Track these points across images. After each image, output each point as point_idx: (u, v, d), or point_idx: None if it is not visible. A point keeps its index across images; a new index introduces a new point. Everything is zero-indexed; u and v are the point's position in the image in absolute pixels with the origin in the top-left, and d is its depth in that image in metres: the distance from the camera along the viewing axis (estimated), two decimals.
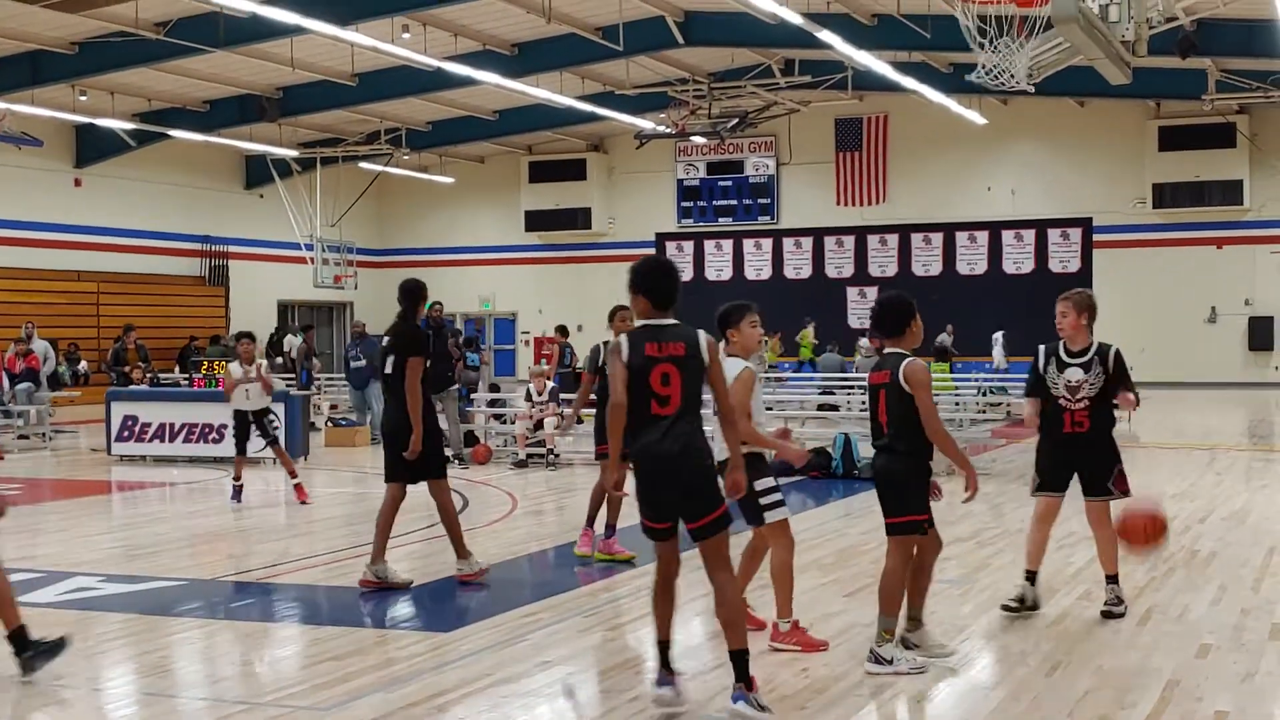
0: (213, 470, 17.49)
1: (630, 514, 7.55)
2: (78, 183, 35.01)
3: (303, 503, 14.08)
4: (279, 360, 29.99)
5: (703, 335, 6.47)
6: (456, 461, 17.38)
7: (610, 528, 10.35)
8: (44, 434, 21.98)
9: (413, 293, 9.94)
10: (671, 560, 6.58)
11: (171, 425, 18.56)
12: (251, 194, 40.03)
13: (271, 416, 14.98)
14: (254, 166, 39.16)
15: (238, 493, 14.28)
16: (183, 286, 37.92)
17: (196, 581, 9.84)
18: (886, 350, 7.35)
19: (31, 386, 22.33)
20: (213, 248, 38.79)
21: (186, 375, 20.65)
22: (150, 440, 18.67)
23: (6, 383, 21.86)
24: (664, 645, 6.57)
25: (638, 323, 6.58)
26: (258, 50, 28.00)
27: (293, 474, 14.42)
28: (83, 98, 30.43)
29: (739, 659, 6.22)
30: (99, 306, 34.40)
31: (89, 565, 10.38)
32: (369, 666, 7.21)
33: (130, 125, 32.54)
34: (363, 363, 21.36)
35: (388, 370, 9.55)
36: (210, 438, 18.35)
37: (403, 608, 9.03)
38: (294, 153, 36.56)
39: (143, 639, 8.06)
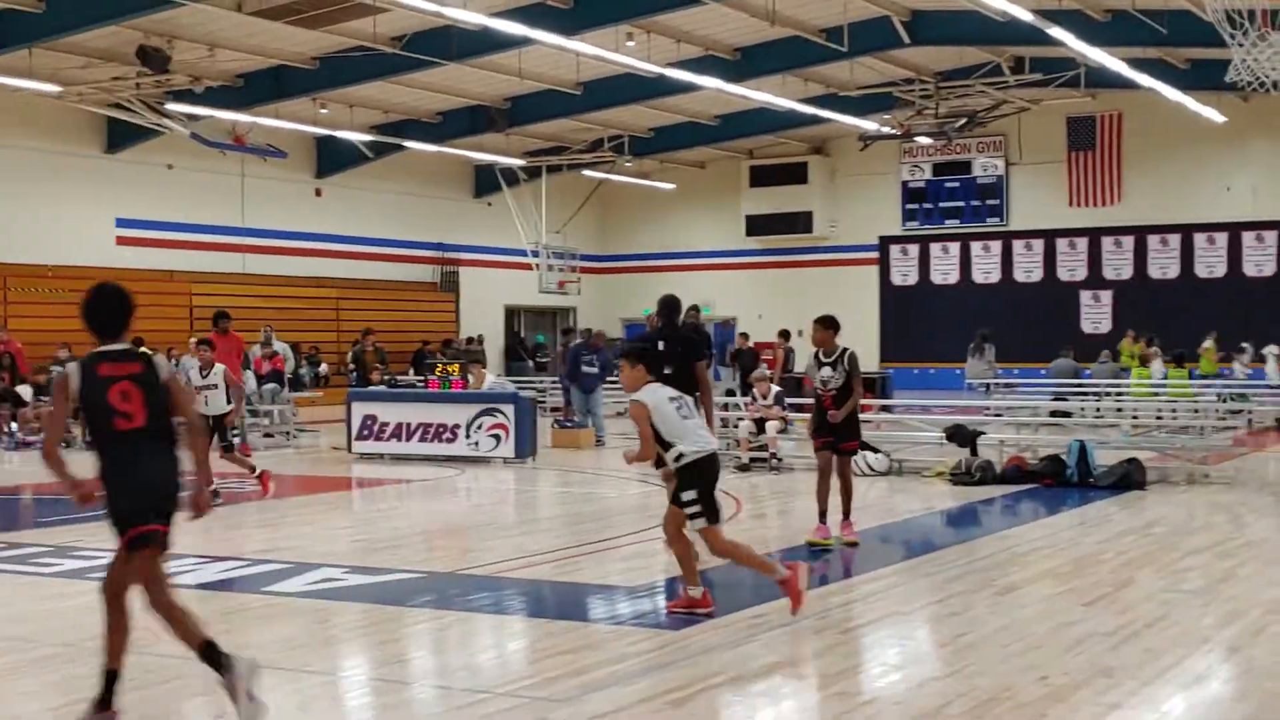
0: (447, 468, 17.97)
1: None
2: (318, 193, 36.39)
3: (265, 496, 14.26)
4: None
5: None
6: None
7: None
8: (288, 433, 22.88)
9: (675, 306, 11.63)
10: None
11: (407, 425, 19.15)
12: (480, 202, 40.99)
13: (229, 422, 14.92)
14: (483, 175, 40.10)
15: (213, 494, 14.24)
16: (416, 292, 39.06)
17: (434, 574, 10.12)
18: None
19: (276, 387, 23.27)
20: (444, 255, 39.89)
21: (421, 377, 21.25)
22: (388, 439, 19.30)
23: (254, 383, 22.79)
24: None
25: None
26: (487, 62, 28.66)
27: (252, 469, 14.91)
28: (323, 111, 31.63)
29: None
30: (338, 311, 35.70)
31: (333, 557, 10.77)
32: (600, 661, 7.32)
33: (367, 137, 33.67)
34: (595, 369, 21.74)
35: (667, 371, 10.11)
36: (444, 437, 18.87)
37: (635, 605, 9.15)
38: (520, 161, 37.30)
39: (383, 629, 8.34)
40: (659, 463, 8.67)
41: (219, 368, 14.51)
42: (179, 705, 6.60)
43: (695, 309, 19.14)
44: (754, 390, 18.58)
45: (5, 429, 22.72)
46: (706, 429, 8.84)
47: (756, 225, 42.00)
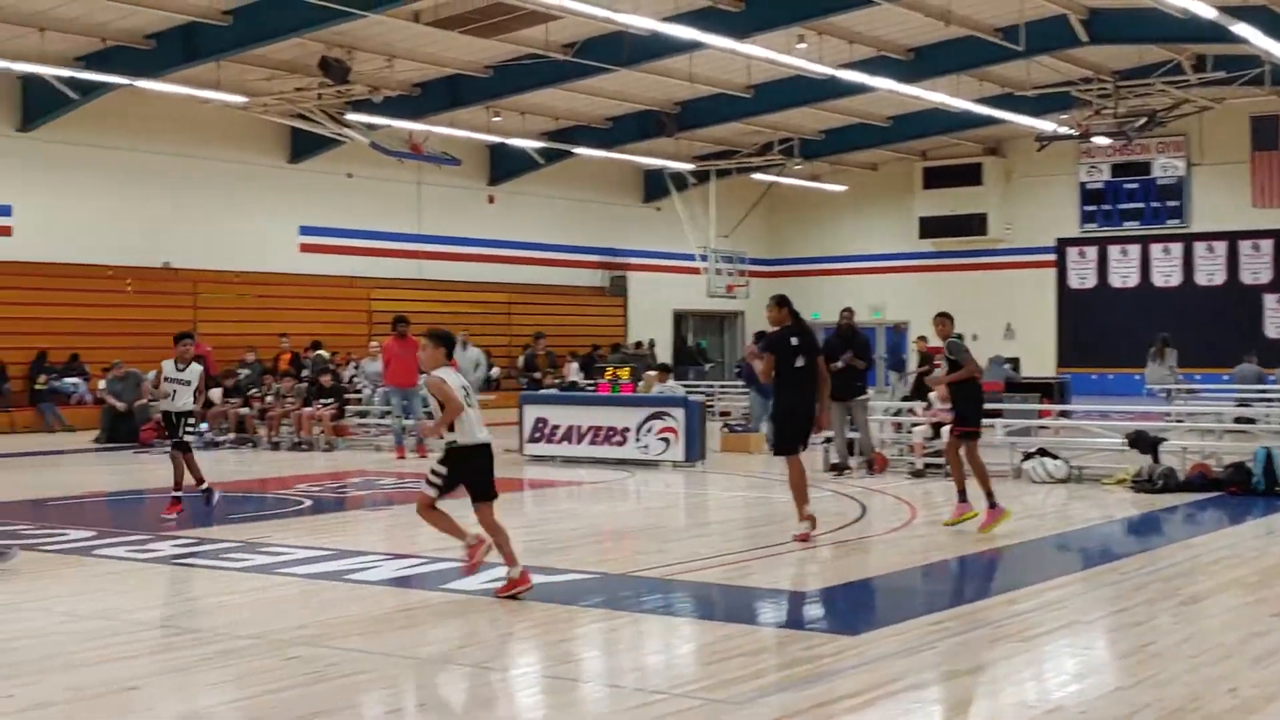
0: (617, 471, 18.09)
1: None
2: (491, 199, 36.97)
3: (166, 516, 13.14)
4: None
5: None
6: (868, 469, 17.35)
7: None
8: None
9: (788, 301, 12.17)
10: None
11: (578, 428, 19.33)
12: (649, 207, 41.19)
13: (193, 420, 14.06)
14: (651, 180, 40.30)
15: (208, 497, 13.79)
16: (586, 297, 39.43)
17: (606, 576, 10.19)
18: None
19: None
20: (613, 259, 40.19)
21: (591, 381, 21.44)
22: (559, 441, 19.50)
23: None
24: None
25: None
26: (658, 67, 28.80)
27: (200, 480, 13.81)
28: (496, 119, 32.13)
29: None
30: (509, 316, 36.22)
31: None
32: (777, 665, 7.30)
33: (538, 144, 34.10)
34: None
35: (800, 364, 11.58)
36: (614, 440, 19.00)
37: (808, 610, 9.11)
38: (690, 166, 37.40)
39: (557, 628, 8.42)
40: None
41: (196, 366, 14.02)
42: (356, 698, 6.74)
43: (849, 311, 18.97)
44: (931, 394, 18.32)
45: (197, 429, 23.47)
46: (481, 421, 9.37)
47: (930, 227, 41.45)
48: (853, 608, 9.38)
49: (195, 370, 13.84)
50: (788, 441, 11.71)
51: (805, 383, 11.63)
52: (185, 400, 13.71)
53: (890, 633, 8.08)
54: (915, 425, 18.10)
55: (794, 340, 11.68)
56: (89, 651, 7.62)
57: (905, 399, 21.31)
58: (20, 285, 27.56)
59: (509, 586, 9.08)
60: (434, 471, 9.26)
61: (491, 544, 9.25)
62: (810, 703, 6.48)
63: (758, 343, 23.55)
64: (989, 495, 12.21)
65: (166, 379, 13.83)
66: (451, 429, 9.11)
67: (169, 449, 13.85)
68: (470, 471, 9.22)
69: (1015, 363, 32.04)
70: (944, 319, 13.05)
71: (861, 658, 7.41)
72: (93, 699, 6.57)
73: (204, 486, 13.79)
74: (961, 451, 12.56)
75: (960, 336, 22.28)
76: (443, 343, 9.47)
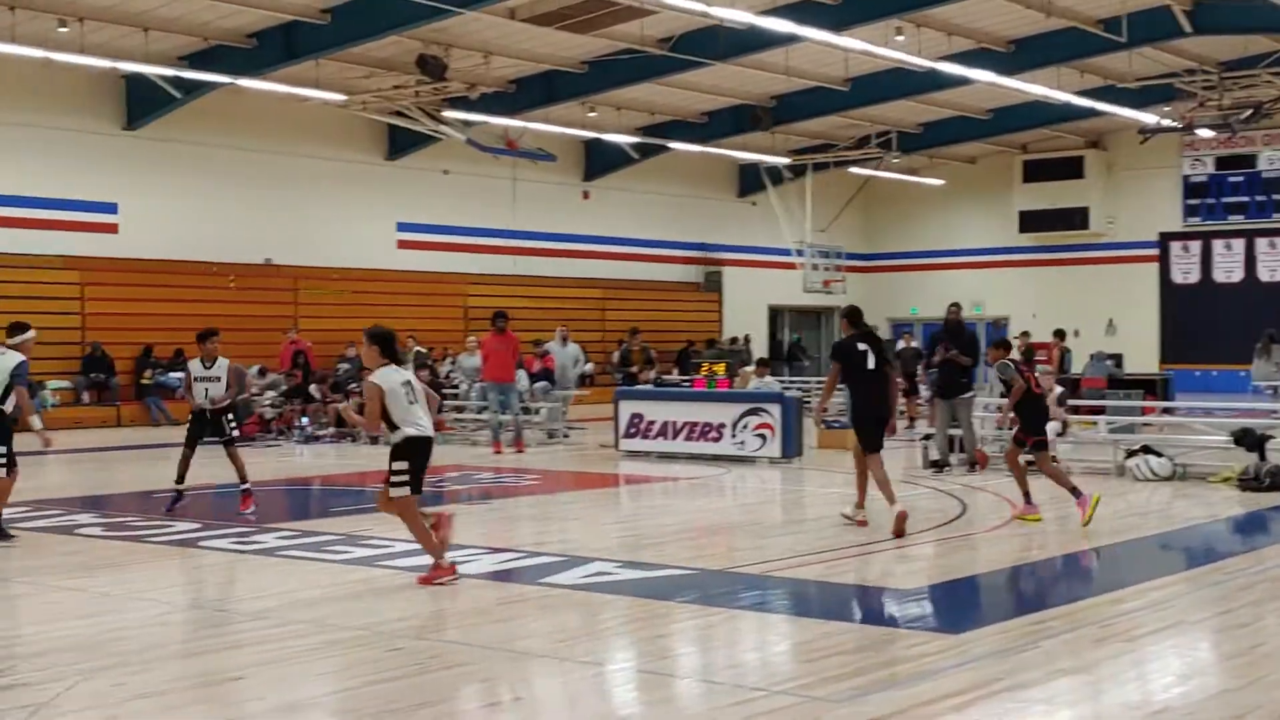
0: (712, 467, 18.06)
1: None
2: (585, 195, 37.09)
3: (241, 512, 13.22)
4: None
5: None
6: (970, 467, 17.15)
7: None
8: (557, 430, 23.35)
9: (860, 313, 12.85)
10: None
11: (674, 423, 19.31)
12: (744, 202, 41.08)
13: (230, 416, 13.98)
14: (747, 175, 40.19)
15: (175, 501, 13.60)
16: (680, 292, 39.42)
17: (703, 572, 10.18)
18: None
19: (547, 385, 23.77)
20: (708, 254, 40.13)
21: (687, 377, 21.42)
22: (654, 437, 19.50)
23: (526, 382, 23.33)
24: None
25: None
26: (754, 60, 28.71)
27: (243, 479, 13.69)
28: (591, 114, 32.21)
29: None
30: (604, 312, 36.31)
31: (604, 551, 10.94)
32: (878, 663, 7.23)
33: (633, 139, 34.13)
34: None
35: (871, 367, 12.27)
36: (710, 435, 18.96)
37: (910, 608, 9.03)
38: (785, 160, 37.24)
39: (654, 624, 8.42)
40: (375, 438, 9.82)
41: (223, 361, 14.00)
42: (457, 690, 6.79)
43: (956, 306, 18.72)
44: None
45: (297, 423, 23.82)
46: (427, 414, 9.67)
47: (1030, 221, 40.92)
48: (953, 606, 9.28)
49: (223, 365, 13.85)
50: (871, 439, 12.31)
51: (876, 384, 12.33)
52: (216, 395, 13.71)
53: (992, 632, 7.99)
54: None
55: (861, 345, 12.37)
56: (196, 641, 7.76)
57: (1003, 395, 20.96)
58: (127, 282, 28.13)
59: (433, 575, 9.32)
60: (396, 471, 9.42)
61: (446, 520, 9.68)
62: (911, 702, 6.41)
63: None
64: (1055, 489, 12.97)
65: (196, 379, 13.84)
66: (394, 427, 9.43)
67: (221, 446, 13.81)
68: (425, 456, 9.54)
69: (1118, 359, 31.54)
70: (997, 348, 13.85)
71: (963, 656, 7.33)
72: (200, 688, 6.68)
73: (244, 486, 13.70)
74: (1020, 458, 13.15)
75: (1061, 334, 21.93)
76: (377, 341, 9.67)
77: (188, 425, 14.03)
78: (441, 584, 9.27)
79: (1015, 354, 14.18)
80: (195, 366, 13.87)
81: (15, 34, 23.47)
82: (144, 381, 27.57)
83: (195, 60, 26.45)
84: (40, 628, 8.18)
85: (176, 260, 28.95)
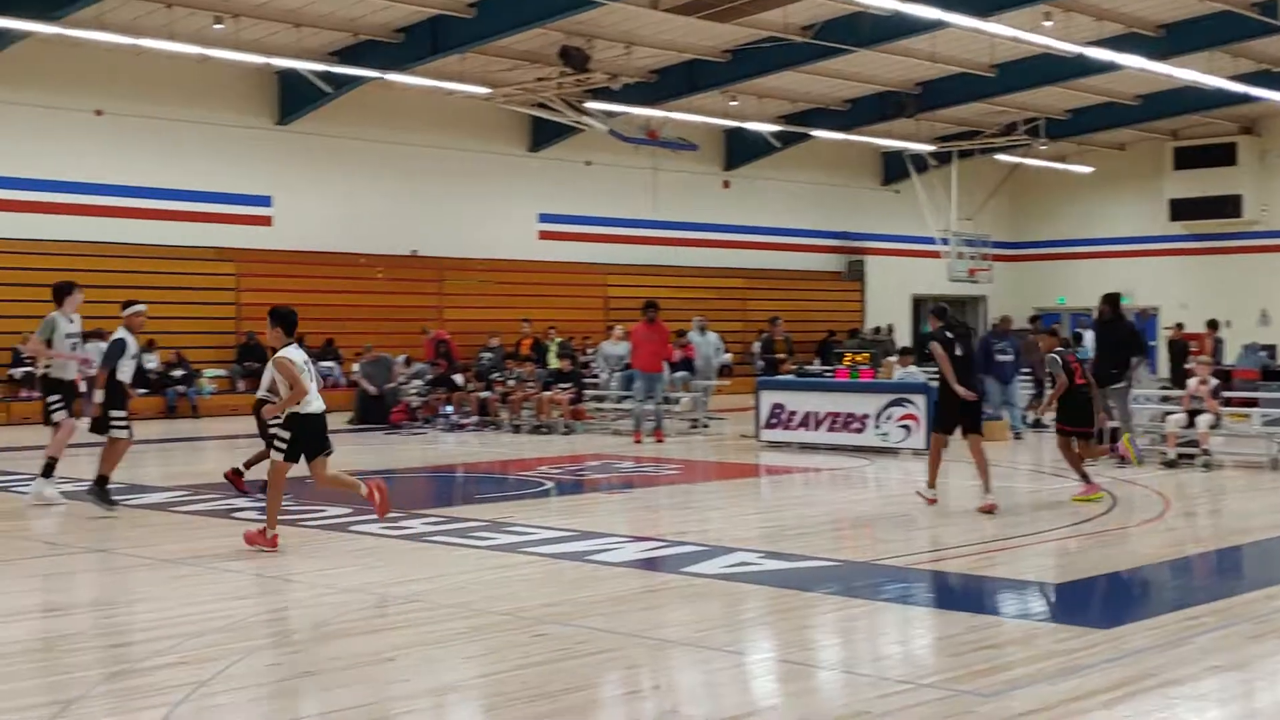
0: (855, 458, 17.94)
1: None
2: (726, 184, 37.05)
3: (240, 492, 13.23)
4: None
5: None
6: (1116, 460, 16.77)
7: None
8: (698, 420, 23.37)
9: (946, 311, 13.58)
10: None
11: (815, 414, 19.21)
12: (887, 190, 40.70)
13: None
14: (890, 162, 39.80)
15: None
16: (821, 281, 39.20)
17: (847, 563, 10.13)
18: None
19: (687, 375, 23.80)
20: (850, 243, 39.84)
21: (829, 367, 21.29)
22: (796, 428, 19.42)
23: (668, 372, 23.40)
24: None
25: None
26: (898, 47, 28.42)
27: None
28: (733, 103, 32.17)
29: None
30: (745, 301, 36.26)
31: (746, 542, 10.94)
32: (1027, 658, 7.13)
33: (775, 127, 34.01)
34: (1010, 356, 21.20)
35: (959, 353, 13.12)
36: (853, 427, 18.82)
37: (1057, 602, 8.89)
38: (930, 147, 36.78)
39: (797, 615, 8.40)
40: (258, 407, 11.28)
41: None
42: (602, 676, 6.85)
43: (1112, 297, 18.22)
44: (1190, 380, 17.63)
45: (441, 411, 24.19)
46: (318, 395, 10.61)
47: (1181, 209, 39.91)
48: (1104, 601, 9.12)
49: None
50: (947, 422, 13.34)
51: (961, 372, 13.06)
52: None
53: (1144, 627, 7.83)
54: (1169, 415, 17.43)
55: (949, 334, 13.26)
56: (348, 623, 7.93)
57: (1164, 388, 20.50)
58: (279, 273, 28.82)
59: (256, 539, 10.30)
60: (280, 438, 10.50)
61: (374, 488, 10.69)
62: (1062, 697, 6.31)
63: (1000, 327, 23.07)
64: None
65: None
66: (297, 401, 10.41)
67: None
68: (308, 435, 10.44)
69: (1271, 350, 30.61)
70: (1049, 336, 15.53)
71: (1115, 652, 7.20)
72: (353, 668, 6.83)
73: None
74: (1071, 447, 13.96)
75: (1214, 324, 21.30)
76: (281, 322, 10.71)
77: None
78: (263, 551, 10.19)
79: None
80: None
81: (173, 32, 24.17)
82: None
83: (345, 55, 26.99)
84: (201, 608, 8.44)
85: (326, 252, 29.60)
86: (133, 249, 27.21)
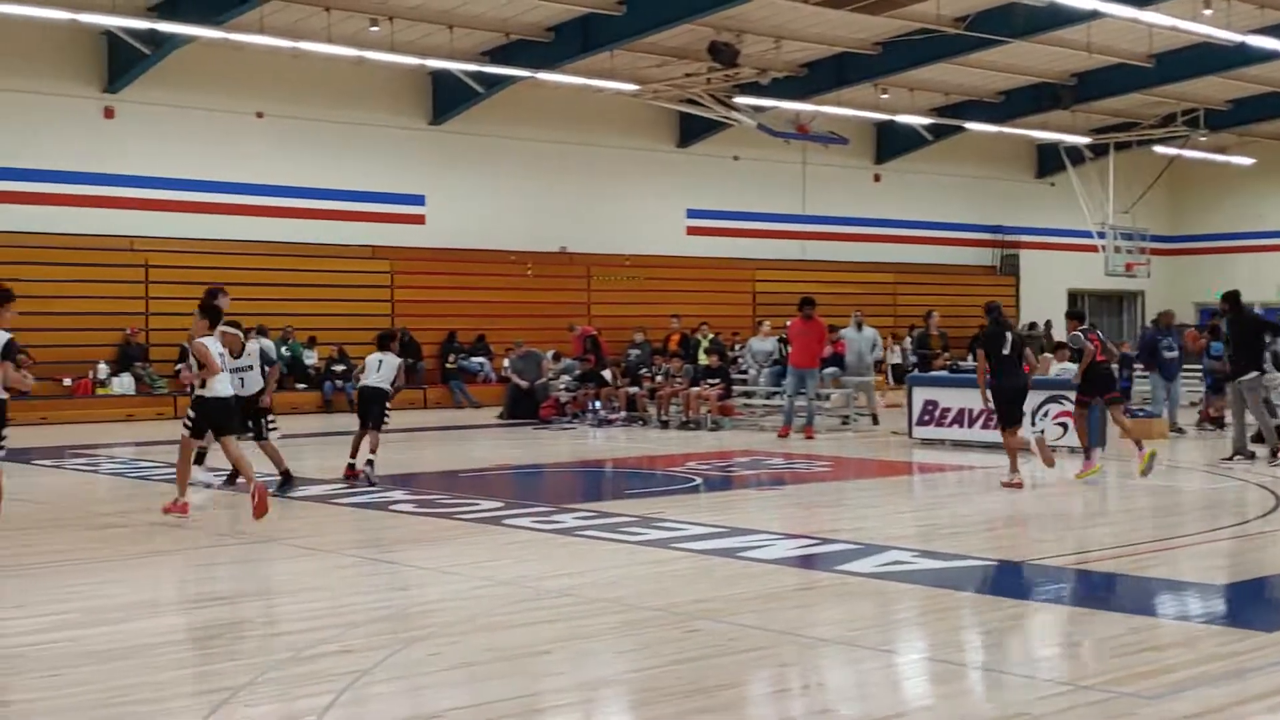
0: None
1: None
2: (876, 178, 36.74)
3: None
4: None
5: None
6: (1272, 456, 16.25)
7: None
8: (848, 416, 23.22)
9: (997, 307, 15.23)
10: None
11: (970, 411, 18.94)
12: (1042, 183, 39.97)
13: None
14: (1045, 155, 39.08)
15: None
16: (974, 276, 38.65)
17: (1002, 563, 9.99)
18: None
19: (837, 371, 23.64)
20: (1003, 237, 39.22)
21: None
22: (949, 425, 19.17)
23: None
24: None
25: None
26: (1053, 38, 27.91)
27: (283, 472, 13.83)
28: (884, 96, 31.88)
29: None
30: (895, 296, 35.91)
31: (900, 540, 10.85)
32: (1191, 660, 6.97)
33: (926, 120, 33.63)
34: (1175, 353, 20.76)
35: (1006, 352, 14.55)
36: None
37: (1218, 604, 8.68)
38: (1086, 139, 36.03)
39: (951, 614, 8.32)
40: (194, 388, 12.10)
41: (253, 346, 14.05)
42: (755, 673, 6.86)
43: (1234, 294, 17.45)
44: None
45: (590, 407, 24.39)
46: (227, 385, 12.08)
47: None
48: (1268, 603, 8.87)
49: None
50: (1005, 418, 14.50)
51: (1011, 366, 14.45)
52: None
53: None
54: None
55: (1004, 333, 14.56)
56: (504, 616, 8.06)
57: None
58: (433, 270, 29.35)
59: (259, 502, 11.32)
60: (188, 416, 12.08)
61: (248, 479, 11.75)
62: (1227, 700, 6.17)
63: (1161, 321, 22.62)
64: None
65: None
66: (204, 385, 11.81)
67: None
68: (213, 416, 11.92)
69: None
70: (1071, 319, 16.36)
71: (1277, 656, 7.00)
72: (509, 660, 6.94)
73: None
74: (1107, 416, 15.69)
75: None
76: (207, 314, 12.10)
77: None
78: (176, 517, 11.65)
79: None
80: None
81: (331, 34, 24.73)
82: (448, 366, 28.70)
83: (496, 55, 27.35)
84: (362, 598, 8.65)
85: (477, 249, 30.03)
86: (292, 248, 27.91)
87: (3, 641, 7.57)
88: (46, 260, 24.82)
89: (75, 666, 6.82)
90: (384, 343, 15.35)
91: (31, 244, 25.08)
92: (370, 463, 14.51)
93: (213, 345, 11.91)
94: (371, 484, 14.19)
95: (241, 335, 14.09)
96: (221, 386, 11.96)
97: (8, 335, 10.03)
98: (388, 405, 14.99)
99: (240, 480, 12.65)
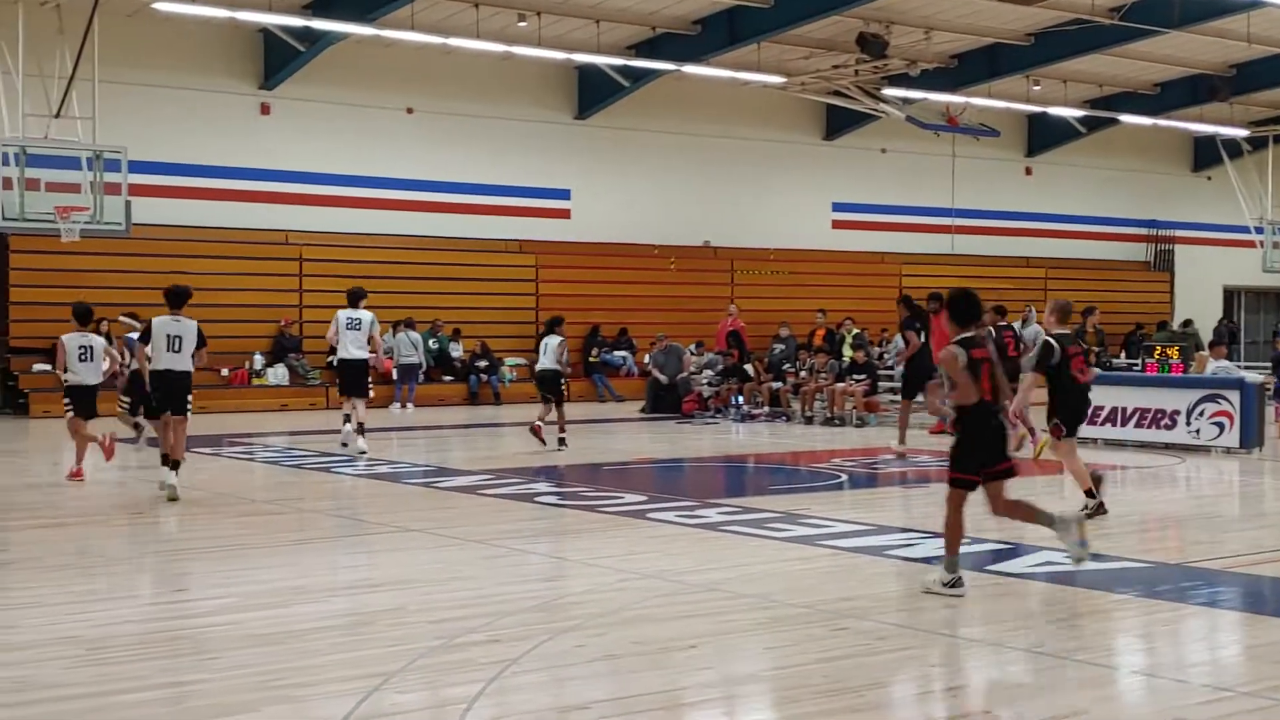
0: (1164, 456, 17.24)
1: None
2: (1028, 171, 36.10)
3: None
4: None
5: None
6: None
7: None
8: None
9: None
10: None
11: (1123, 410, 18.53)
12: (1198, 176, 38.92)
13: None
14: (1201, 148, 38.04)
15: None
16: (1127, 272, 37.79)
17: (1158, 565, 9.76)
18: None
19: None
20: (1158, 232, 38.28)
21: (1137, 361, 20.48)
22: (1102, 424, 18.76)
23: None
24: None
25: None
26: (1211, 28, 27.15)
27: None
28: (1036, 87, 31.30)
29: None
30: (1045, 292, 35.19)
31: (1051, 540, 10.59)
32: None
33: (1080, 112, 32.95)
34: None
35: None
36: (1162, 423, 18.08)
37: None
38: (1245, 132, 34.95)
39: (1104, 616, 8.15)
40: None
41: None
42: (903, 674, 6.78)
43: None
44: None
45: (733, 402, 24.35)
46: (94, 373, 14.24)
47: None
48: None
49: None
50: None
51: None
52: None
53: None
54: None
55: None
56: (649, 609, 8.08)
57: None
58: (577, 264, 29.54)
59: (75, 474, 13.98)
60: (66, 401, 14.29)
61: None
62: None
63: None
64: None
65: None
66: (66, 369, 14.11)
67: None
68: (76, 400, 14.10)
69: None
70: (992, 312, 16.06)
71: None
72: (656, 654, 6.96)
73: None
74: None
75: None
76: (77, 317, 14.28)
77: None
78: (74, 480, 13.79)
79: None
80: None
81: (479, 30, 25.02)
82: (591, 359, 28.86)
83: (642, 49, 27.42)
84: (510, 588, 8.75)
85: (622, 243, 30.15)
86: (439, 241, 28.32)
87: (167, 624, 7.81)
88: (205, 254, 25.50)
89: (234, 650, 7.00)
90: (551, 327, 17.89)
91: (191, 238, 25.80)
92: (562, 440, 17.43)
93: (70, 342, 14.09)
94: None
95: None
96: (81, 377, 14.14)
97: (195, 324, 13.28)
98: (563, 381, 18.09)
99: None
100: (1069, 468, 12.13)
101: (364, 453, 16.52)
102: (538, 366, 18.08)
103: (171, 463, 12.75)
